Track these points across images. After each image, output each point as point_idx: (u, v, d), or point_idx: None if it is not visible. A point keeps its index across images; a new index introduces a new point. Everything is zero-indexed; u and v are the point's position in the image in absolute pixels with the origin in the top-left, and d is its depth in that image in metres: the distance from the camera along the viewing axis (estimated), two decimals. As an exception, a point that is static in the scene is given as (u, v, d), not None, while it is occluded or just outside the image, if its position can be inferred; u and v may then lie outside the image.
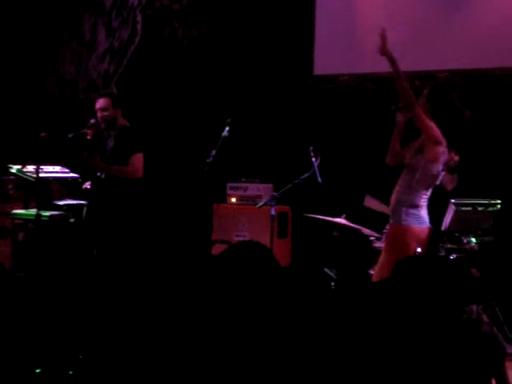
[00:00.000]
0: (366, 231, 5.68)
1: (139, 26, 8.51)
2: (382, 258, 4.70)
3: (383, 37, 4.64)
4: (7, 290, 3.27)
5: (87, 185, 5.67)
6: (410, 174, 4.60)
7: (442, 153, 4.62)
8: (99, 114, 5.58)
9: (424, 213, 4.65)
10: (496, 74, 6.64)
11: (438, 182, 4.75)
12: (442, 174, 4.73)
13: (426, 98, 4.72)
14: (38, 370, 3.00)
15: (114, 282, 5.09)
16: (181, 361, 3.13)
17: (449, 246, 5.67)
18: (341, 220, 5.65)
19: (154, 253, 6.73)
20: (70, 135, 5.65)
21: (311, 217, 5.83)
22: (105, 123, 5.58)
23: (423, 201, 4.63)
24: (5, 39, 8.80)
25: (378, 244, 5.48)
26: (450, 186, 6.25)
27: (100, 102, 5.60)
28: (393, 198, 4.68)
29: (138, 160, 5.49)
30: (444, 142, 4.61)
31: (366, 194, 5.75)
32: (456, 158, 6.23)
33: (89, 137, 5.48)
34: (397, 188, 4.67)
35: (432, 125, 4.56)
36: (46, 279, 5.87)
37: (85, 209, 5.67)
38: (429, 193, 4.67)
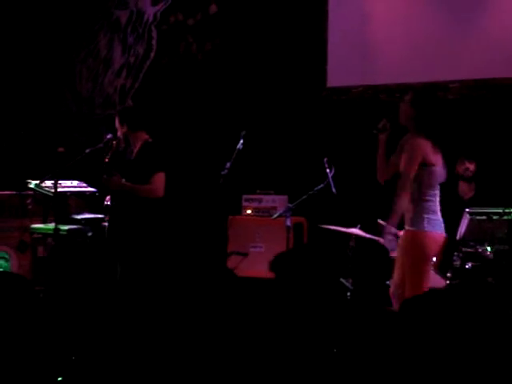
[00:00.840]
0: (381, 241, 5.70)
1: (154, 42, 8.61)
2: (400, 264, 4.72)
3: None
4: (29, 303, 3.33)
5: (107, 201, 5.67)
6: (416, 183, 4.65)
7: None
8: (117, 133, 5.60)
9: (440, 217, 4.69)
10: (507, 83, 6.66)
11: (443, 179, 4.78)
12: (444, 170, 4.74)
13: (410, 103, 4.77)
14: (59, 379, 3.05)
15: (136, 297, 5.14)
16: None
17: (464, 254, 5.69)
18: (355, 230, 5.68)
19: (172, 265, 6.78)
20: (87, 150, 5.67)
21: (326, 228, 5.86)
22: (122, 140, 5.59)
23: (438, 203, 4.68)
24: (23, 57, 8.92)
25: (395, 254, 5.49)
26: (467, 196, 6.26)
27: (115, 121, 5.62)
28: (406, 205, 4.67)
29: (159, 179, 5.39)
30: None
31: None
32: (471, 167, 6.25)
33: (107, 160, 5.41)
34: (406, 196, 4.65)
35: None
36: (65, 293, 5.94)
37: (107, 226, 5.67)
38: (438, 191, 4.71)
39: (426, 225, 4.59)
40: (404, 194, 4.59)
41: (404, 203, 4.62)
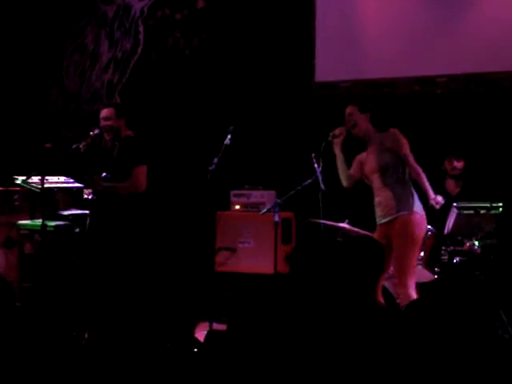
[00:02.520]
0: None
1: (141, 36, 8.57)
2: (395, 249, 4.76)
3: None
4: (8, 302, 3.30)
5: (87, 194, 5.65)
6: (392, 172, 4.74)
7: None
8: (102, 124, 5.59)
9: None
10: (495, 78, 6.68)
11: None
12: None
13: (359, 111, 4.89)
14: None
15: (114, 291, 5.11)
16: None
17: (452, 249, 5.70)
18: (344, 225, 5.67)
19: (158, 261, 6.77)
20: (73, 146, 5.66)
21: (314, 222, 5.85)
22: (108, 133, 5.60)
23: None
24: (9, 52, 8.86)
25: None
26: (454, 192, 6.29)
27: (104, 112, 5.62)
28: (386, 200, 4.78)
29: (140, 173, 5.40)
30: None
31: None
32: (459, 165, 6.28)
33: (81, 149, 5.42)
34: (383, 193, 4.79)
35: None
36: (53, 289, 5.91)
37: (88, 219, 5.67)
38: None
39: (412, 206, 4.78)
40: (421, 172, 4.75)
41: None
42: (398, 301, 4.97)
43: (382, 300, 4.77)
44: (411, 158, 4.80)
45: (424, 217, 4.85)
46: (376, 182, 4.94)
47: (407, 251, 4.73)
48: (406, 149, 4.82)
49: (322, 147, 5.05)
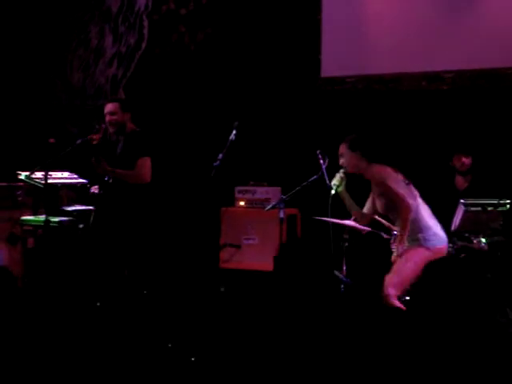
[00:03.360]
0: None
1: (146, 31, 8.54)
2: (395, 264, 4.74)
3: None
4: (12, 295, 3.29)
5: (94, 189, 5.66)
6: (395, 212, 4.71)
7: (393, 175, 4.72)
8: (107, 118, 5.60)
9: (438, 229, 4.75)
10: (503, 73, 6.63)
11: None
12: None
13: (349, 149, 4.80)
14: None
15: (120, 285, 5.09)
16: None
17: (459, 246, 5.66)
18: (349, 222, 5.63)
19: (163, 257, 6.74)
20: (78, 141, 5.65)
21: (320, 219, 5.81)
22: (113, 127, 5.60)
23: (428, 217, 4.75)
24: (13, 47, 8.84)
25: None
26: (461, 187, 6.27)
27: (109, 107, 5.62)
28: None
29: (144, 164, 5.46)
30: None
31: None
32: (467, 161, 6.26)
33: (95, 142, 5.47)
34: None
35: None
36: (55, 285, 5.89)
37: (92, 214, 5.66)
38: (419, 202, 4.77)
39: (425, 242, 4.67)
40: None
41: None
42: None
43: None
44: (394, 191, 4.66)
45: (438, 248, 4.75)
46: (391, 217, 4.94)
47: (406, 271, 4.70)
48: (389, 183, 4.67)
49: (331, 198, 4.95)
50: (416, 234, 4.69)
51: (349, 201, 4.99)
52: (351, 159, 4.84)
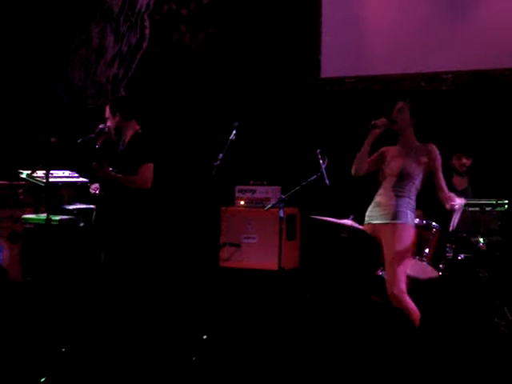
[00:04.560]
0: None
1: (147, 31, 8.56)
2: (386, 254, 4.79)
3: None
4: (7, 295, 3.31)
5: (94, 189, 5.64)
6: (409, 181, 4.85)
7: None
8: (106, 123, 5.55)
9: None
10: (501, 74, 6.65)
11: None
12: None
13: (409, 113, 4.92)
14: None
15: (120, 287, 5.10)
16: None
17: (457, 246, 5.68)
18: (348, 221, 5.65)
19: (163, 257, 6.77)
20: (79, 140, 5.63)
21: (318, 219, 5.84)
22: (112, 130, 5.56)
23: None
24: (15, 46, 8.87)
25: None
26: (460, 187, 6.29)
27: (106, 111, 5.58)
28: (387, 204, 4.81)
29: (147, 170, 5.35)
30: None
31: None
32: (468, 163, 6.30)
33: (97, 146, 5.41)
34: (387, 196, 4.82)
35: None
36: (54, 283, 5.92)
37: (94, 213, 5.65)
38: None
39: (410, 220, 4.85)
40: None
41: None
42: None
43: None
44: (441, 173, 4.89)
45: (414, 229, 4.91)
46: (387, 183, 4.94)
47: (396, 257, 4.76)
48: (439, 165, 4.92)
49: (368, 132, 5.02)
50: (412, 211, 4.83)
51: (366, 150, 5.00)
52: (407, 118, 4.91)
